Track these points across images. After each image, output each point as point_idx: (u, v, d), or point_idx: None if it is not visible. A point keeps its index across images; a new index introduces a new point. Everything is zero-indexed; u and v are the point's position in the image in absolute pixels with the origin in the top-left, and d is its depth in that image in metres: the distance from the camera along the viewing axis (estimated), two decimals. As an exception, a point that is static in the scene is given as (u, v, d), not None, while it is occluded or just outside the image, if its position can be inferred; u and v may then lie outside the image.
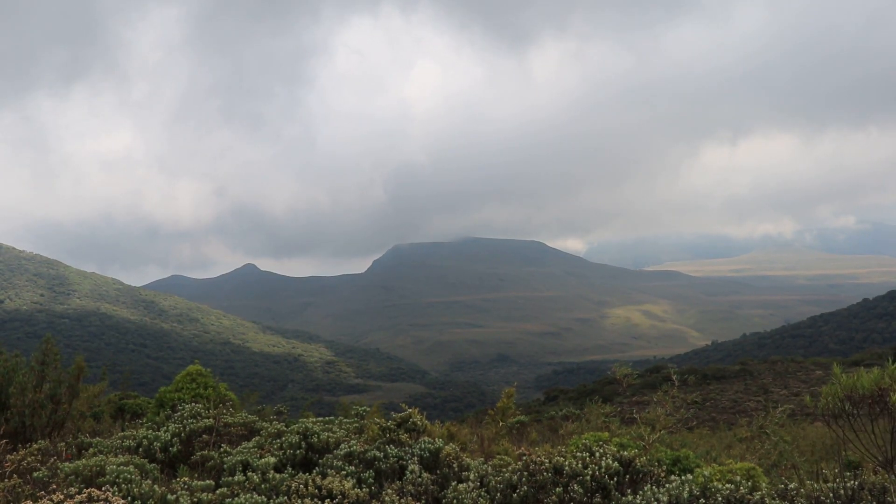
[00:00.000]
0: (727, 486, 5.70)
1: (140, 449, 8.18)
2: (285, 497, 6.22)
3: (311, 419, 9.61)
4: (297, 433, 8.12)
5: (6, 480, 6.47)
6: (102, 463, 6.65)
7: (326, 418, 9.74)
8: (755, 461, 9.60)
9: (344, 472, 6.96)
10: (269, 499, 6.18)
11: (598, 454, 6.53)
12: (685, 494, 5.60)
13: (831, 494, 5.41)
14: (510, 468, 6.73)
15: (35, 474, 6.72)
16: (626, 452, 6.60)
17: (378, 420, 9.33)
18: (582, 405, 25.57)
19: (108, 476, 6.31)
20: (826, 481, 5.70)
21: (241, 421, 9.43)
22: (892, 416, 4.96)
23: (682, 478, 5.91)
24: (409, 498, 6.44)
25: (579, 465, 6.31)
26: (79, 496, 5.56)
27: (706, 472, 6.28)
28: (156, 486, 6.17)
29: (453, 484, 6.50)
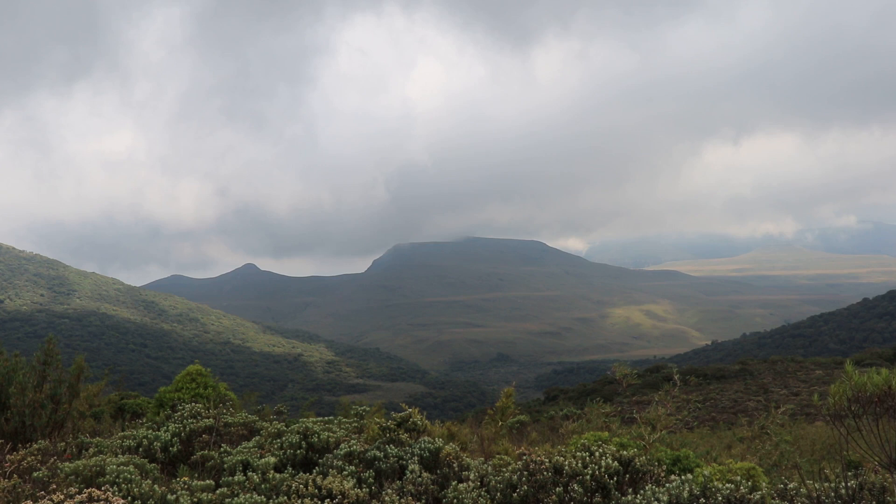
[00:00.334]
0: (727, 485, 5.70)
1: (140, 449, 8.18)
2: (285, 497, 6.22)
3: (311, 419, 9.61)
4: (298, 433, 8.12)
5: (6, 480, 6.47)
6: (102, 463, 6.65)
7: (326, 418, 9.74)
8: (756, 461, 9.60)
9: (344, 472, 6.96)
10: (269, 499, 6.18)
11: (597, 454, 6.53)
12: (685, 494, 5.60)
13: (832, 494, 5.40)
14: (510, 468, 6.73)
15: (35, 474, 6.72)
16: (625, 452, 6.60)
17: (378, 420, 9.34)
18: (582, 405, 25.59)
19: (108, 476, 6.31)
20: (826, 481, 5.70)
21: (241, 421, 9.43)
22: (896, 417, 4.97)
23: (683, 477, 5.91)
24: (410, 498, 6.44)
25: (579, 465, 6.31)
26: (79, 496, 5.56)
27: (706, 472, 6.27)
28: (156, 486, 6.17)
29: (453, 484, 6.50)
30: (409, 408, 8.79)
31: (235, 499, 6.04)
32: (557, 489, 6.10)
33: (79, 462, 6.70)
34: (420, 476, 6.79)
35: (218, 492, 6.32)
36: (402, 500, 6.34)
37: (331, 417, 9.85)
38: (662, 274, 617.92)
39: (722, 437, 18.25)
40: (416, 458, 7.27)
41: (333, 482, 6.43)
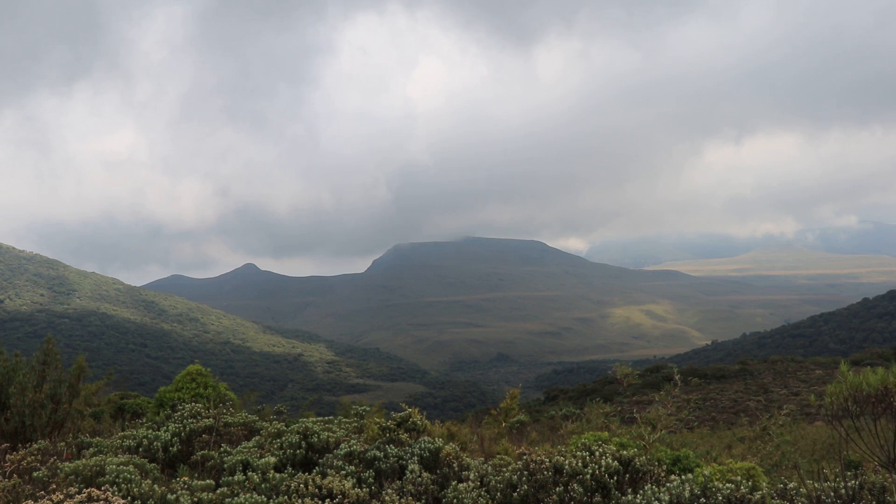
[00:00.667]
0: (728, 485, 5.70)
1: (140, 449, 8.18)
2: (285, 497, 6.22)
3: (311, 419, 9.61)
4: (297, 433, 8.12)
5: (6, 480, 6.47)
6: (102, 463, 6.65)
7: (326, 418, 9.74)
8: (757, 462, 9.60)
9: (344, 472, 6.96)
10: (269, 498, 6.18)
11: (597, 453, 6.53)
12: (686, 494, 5.60)
13: (832, 494, 5.40)
14: (510, 468, 6.73)
15: (35, 474, 6.72)
16: (626, 452, 6.60)
17: (378, 420, 9.33)
18: (582, 405, 25.58)
19: (108, 476, 6.31)
20: (826, 481, 5.70)
21: (241, 421, 9.43)
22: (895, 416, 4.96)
23: (683, 477, 5.91)
24: (409, 498, 6.44)
25: (579, 465, 6.31)
26: (79, 496, 5.56)
27: (707, 472, 6.27)
28: (156, 486, 6.17)
29: (453, 483, 6.50)
30: (409, 408, 8.80)
31: (235, 498, 6.04)
32: (558, 489, 6.10)
33: (79, 462, 6.70)
34: (420, 476, 6.79)
35: (218, 491, 6.32)
36: (402, 500, 6.34)
37: (331, 417, 9.85)
38: (662, 274, 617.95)
39: (722, 437, 18.26)
40: (416, 458, 7.27)
41: (333, 482, 6.43)
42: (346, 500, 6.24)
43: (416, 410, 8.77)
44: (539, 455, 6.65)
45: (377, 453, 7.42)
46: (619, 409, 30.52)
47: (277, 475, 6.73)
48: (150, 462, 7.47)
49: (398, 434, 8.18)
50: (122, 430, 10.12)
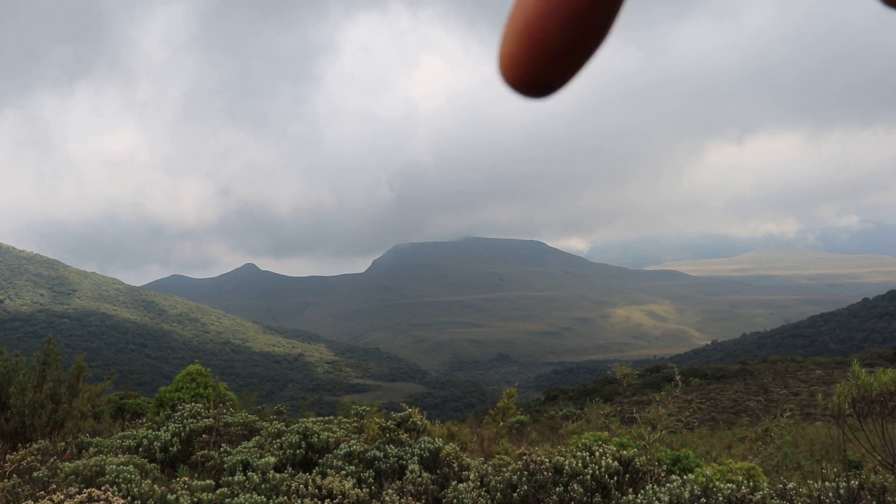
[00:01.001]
0: (728, 485, 5.70)
1: (140, 449, 8.18)
2: (285, 497, 6.21)
3: (311, 419, 9.61)
4: (297, 433, 8.12)
5: (6, 480, 6.47)
6: (102, 463, 6.64)
7: (326, 418, 9.74)
8: (758, 462, 9.60)
9: (344, 472, 6.96)
10: (268, 499, 6.18)
11: (598, 454, 6.53)
12: (686, 494, 5.60)
13: (831, 494, 5.40)
14: (510, 468, 6.73)
15: (35, 474, 6.72)
16: (626, 452, 6.60)
17: (378, 420, 9.33)
18: (582, 405, 25.58)
19: (107, 476, 6.30)
20: (827, 481, 5.69)
21: (241, 421, 9.43)
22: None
23: (685, 477, 5.90)
24: (409, 498, 6.44)
25: (579, 465, 6.31)
26: (79, 496, 5.55)
27: (707, 472, 6.27)
28: (156, 486, 6.17)
29: (453, 483, 6.50)
30: (409, 408, 8.79)
31: (235, 499, 6.04)
32: (558, 489, 6.10)
33: (79, 462, 6.69)
34: (420, 476, 6.79)
35: (218, 492, 6.32)
36: (402, 500, 6.33)
37: (331, 417, 9.85)
38: (662, 274, 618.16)
39: (722, 438, 18.25)
40: (415, 458, 7.27)
41: (333, 482, 6.43)
42: (346, 501, 6.23)
43: (416, 410, 8.77)
44: (539, 455, 6.65)
45: (377, 453, 7.42)
46: (619, 409, 30.53)
47: (277, 475, 6.73)
48: (150, 462, 7.47)
49: (398, 434, 8.17)
50: (122, 430, 10.12)
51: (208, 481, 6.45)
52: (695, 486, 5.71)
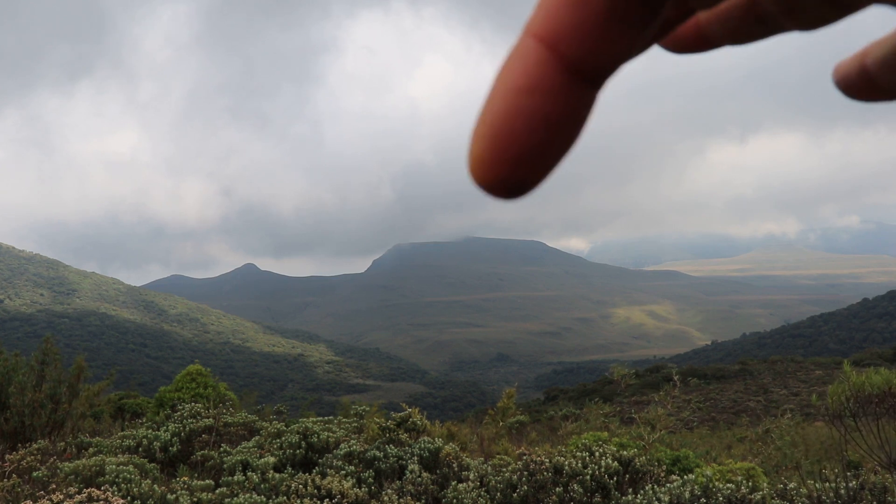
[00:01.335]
0: (728, 486, 5.70)
1: (140, 449, 8.18)
2: (285, 497, 6.21)
3: (310, 419, 9.61)
4: (297, 433, 8.12)
5: (6, 480, 6.47)
6: (102, 463, 6.64)
7: (326, 418, 9.74)
8: (758, 462, 9.60)
9: (344, 472, 6.96)
10: (268, 498, 6.18)
11: (597, 454, 6.53)
12: (686, 494, 5.60)
13: (832, 494, 5.40)
14: (510, 468, 6.73)
15: (35, 474, 6.72)
16: (625, 452, 6.60)
17: (378, 420, 9.34)
18: (582, 405, 25.60)
19: (107, 476, 6.30)
20: (827, 481, 5.69)
21: (241, 420, 9.44)
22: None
23: (684, 477, 5.90)
24: (409, 498, 6.44)
25: (579, 465, 6.31)
26: (78, 496, 5.55)
27: (707, 472, 6.27)
28: (155, 486, 6.17)
29: (453, 483, 6.50)
30: (409, 408, 8.80)
31: (235, 499, 6.04)
32: (557, 489, 6.10)
33: (78, 462, 6.69)
34: (420, 476, 6.79)
35: (217, 491, 6.32)
36: (402, 500, 6.33)
37: (330, 417, 9.85)
38: (663, 274, 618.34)
39: (722, 438, 18.25)
40: (415, 458, 7.27)
41: (333, 482, 6.43)
42: (345, 500, 6.23)
43: (416, 410, 8.77)
44: (539, 455, 6.65)
45: (377, 453, 7.42)
46: (619, 409, 30.52)
47: (277, 475, 6.73)
48: (150, 462, 7.47)
49: (398, 434, 8.17)
50: (122, 430, 10.12)
51: (208, 481, 6.45)
52: (695, 487, 5.71)
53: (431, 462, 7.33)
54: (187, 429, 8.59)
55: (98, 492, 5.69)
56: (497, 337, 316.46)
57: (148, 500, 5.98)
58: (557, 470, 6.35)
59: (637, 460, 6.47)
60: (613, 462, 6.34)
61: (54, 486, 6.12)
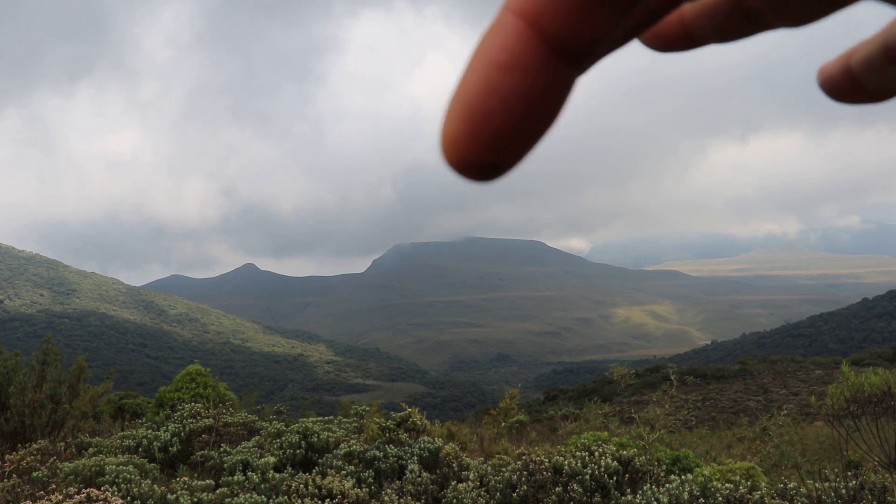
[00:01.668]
0: (727, 485, 5.70)
1: (140, 449, 8.19)
2: (285, 497, 6.21)
3: (310, 419, 9.61)
4: (297, 433, 8.12)
5: (6, 480, 6.47)
6: (102, 463, 6.65)
7: (326, 418, 9.75)
8: (756, 461, 9.61)
9: (344, 472, 6.96)
10: (268, 498, 6.18)
11: (597, 454, 6.53)
12: (685, 494, 5.60)
13: (832, 494, 5.40)
14: (510, 468, 6.73)
15: (34, 474, 6.72)
16: (625, 452, 6.60)
17: (378, 420, 9.34)
18: (581, 405, 25.58)
19: (107, 476, 6.31)
20: (826, 481, 5.70)
21: (241, 420, 9.44)
22: None
23: (683, 477, 5.90)
24: (409, 497, 6.44)
25: (579, 465, 6.31)
26: (78, 496, 5.55)
27: (706, 472, 6.27)
28: (155, 486, 6.17)
29: (453, 483, 6.50)
30: (409, 408, 8.80)
31: (235, 499, 6.04)
32: (557, 489, 6.10)
33: (78, 462, 6.69)
34: (420, 476, 6.79)
35: (217, 492, 6.32)
36: (402, 500, 6.34)
37: (330, 417, 9.86)
38: (662, 274, 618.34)
39: (721, 437, 18.25)
40: (415, 457, 7.27)
41: (333, 482, 6.43)
42: (345, 500, 6.24)
43: (416, 410, 8.77)
44: (538, 455, 6.65)
45: (377, 453, 7.42)
46: (619, 409, 30.51)
47: (277, 475, 6.73)
48: (150, 462, 7.47)
49: (398, 434, 8.18)
50: (122, 430, 10.12)
51: (208, 481, 6.45)
52: (694, 486, 5.71)
53: (431, 462, 7.34)
54: (187, 429, 8.59)
55: (98, 492, 5.69)
56: (497, 337, 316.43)
57: (148, 500, 5.99)
58: (557, 470, 6.36)
59: (637, 460, 6.47)
60: (613, 462, 6.34)
61: (54, 487, 6.12)
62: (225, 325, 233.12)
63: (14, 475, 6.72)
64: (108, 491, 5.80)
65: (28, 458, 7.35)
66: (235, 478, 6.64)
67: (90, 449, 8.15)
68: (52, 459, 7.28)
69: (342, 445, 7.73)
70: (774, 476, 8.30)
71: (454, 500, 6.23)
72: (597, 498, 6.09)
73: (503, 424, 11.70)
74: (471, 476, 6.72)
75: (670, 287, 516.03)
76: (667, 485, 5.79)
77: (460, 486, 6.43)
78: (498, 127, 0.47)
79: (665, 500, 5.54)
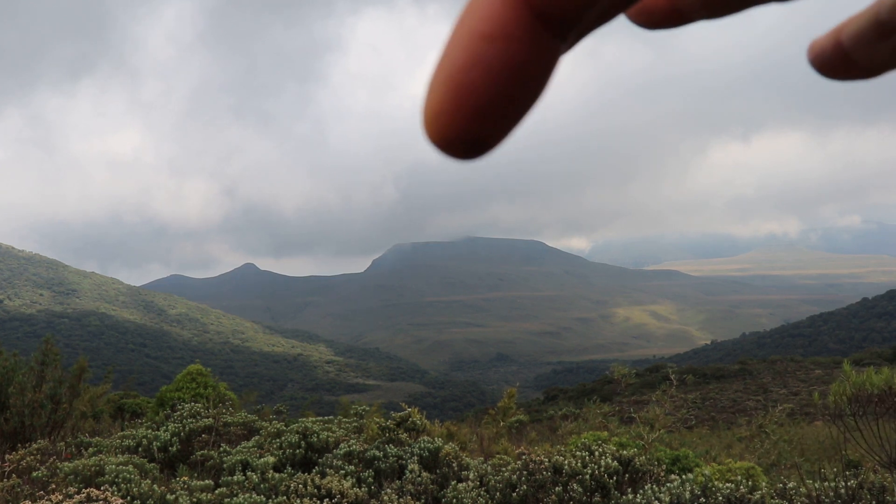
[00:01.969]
0: (727, 485, 5.70)
1: (139, 448, 8.18)
2: (284, 497, 6.21)
3: (310, 419, 9.61)
4: (297, 433, 8.12)
5: (5, 480, 6.47)
6: (102, 462, 6.64)
7: (326, 418, 9.74)
8: (754, 460, 9.61)
9: (343, 472, 6.96)
10: (268, 498, 6.18)
11: (597, 453, 6.53)
12: (686, 494, 5.60)
13: (832, 493, 5.40)
14: (510, 467, 6.73)
15: (34, 474, 6.72)
16: (625, 452, 6.60)
17: (377, 419, 9.34)
18: (581, 405, 25.56)
19: (107, 476, 6.30)
20: (826, 480, 5.69)
21: (241, 420, 9.44)
22: None
23: (684, 477, 5.90)
24: (409, 497, 6.44)
25: (579, 465, 6.31)
26: (78, 496, 5.55)
27: (707, 472, 6.27)
28: (155, 486, 6.17)
29: (453, 483, 6.50)
30: (409, 407, 8.80)
31: (235, 498, 6.04)
32: (557, 489, 6.10)
33: (78, 462, 6.69)
34: (419, 476, 6.79)
35: (217, 491, 6.32)
36: (402, 500, 6.33)
37: (330, 417, 9.85)
38: (662, 274, 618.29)
39: (721, 437, 18.25)
40: (415, 457, 7.27)
41: (333, 482, 6.43)
42: (345, 500, 6.23)
43: (416, 410, 8.77)
44: (538, 455, 6.65)
45: (376, 453, 7.42)
46: (618, 409, 30.50)
47: (277, 475, 6.73)
48: (150, 462, 7.47)
49: (398, 434, 8.18)
50: (122, 430, 10.12)
51: (207, 481, 6.45)
52: (694, 486, 5.71)
53: (431, 462, 7.33)
54: (187, 429, 8.59)
55: (97, 492, 5.69)
56: (497, 337, 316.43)
57: (147, 499, 5.98)
58: (557, 469, 6.35)
59: (637, 460, 6.47)
60: (613, 461, 6.34)
61: (54, 486, 6.12)
62: (225, 325, 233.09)
63: (14, 475, 6.72)
64: (108, 491, 5.80)
65: (28, 458, 7.35)
66: (235, 478, 6.64)
67: (90, 449, 8.15)
68: (51, 459, 7.28)
69: (342, 445, 7.73)
70: (774, 475, 8.30)
71: (454, 500, 6.23)
72: (597, 498, 6.09)
73: (502, 424, 11.70)
74: (471, 476, 6.72)
75: (670, 287, 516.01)
76: (668, 484, 5.78)
77: (460, 485, 6.43)
78: (482, 100, 0.45)
79: (666, 499, 5.54)
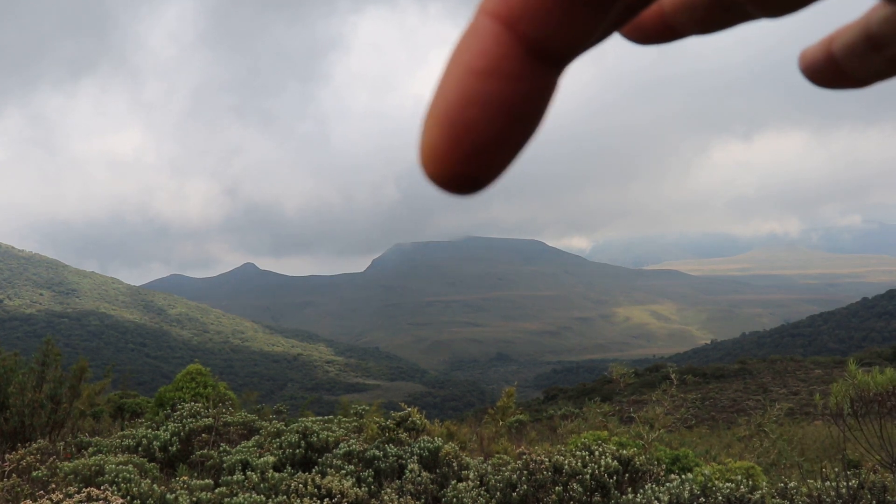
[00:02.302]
0: (727, 485, 5.70)
1: (139, 448, 8.18)
2: (284, 496, 6.21)
3: (310, 418, 9.61)
4: (297, 432, 8.12)
5: (6, 480, 6.47)
6: (101, 462, 6.64)
7: (326, 417, 9.74)
8: (753, 460, 9.61)
9: (343, 472, 6.96)
10: (268, 498, 6.18)
11: (597, 453, 6.53)
12: (686, 493, 5.60)
13: (832, 493, 5.40)
14: (510, 467, 6.73)
15: (34, 473, 6.72)
16: (625, 451, 6.60)
17: (377, 419, 9.34)
18: (581, 404, 25.56)
19: (107, 475, 6.30)
20: (826, 480, 5.69)
21: (241, 420, 9.44)
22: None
23: (683, 476, 5.90)
24: (409, 497, 6.44)
25: (579, 464, 6.31)
26: (78, 495, 5.55)
27: (706, 471, 6.27)
28: (155, 485, 6.17)
29: (453, 483, 6.50)
30: (409, 407, 8.80)
31: (234, 498, 6.04)
32: (557, 488, 6.10)
33: (78, 461, 6.69)
34: (419, 475, 6.79)
35: (217, 491, 6.32)
36: (402, 500, 6.33)
37: (330, 417, 9.85)
38: (662, 273, 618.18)
39: (721, 437, 18.25)
40: (415, 457, 7.27)
41: (332, 481, 6.43)
42: (345, 500, 6.23)
43: (416, 410, 8.77)
44: (538, 454, 6.65)
45: (376, 453, 7.42)
46: (619, 408, 30.51)
47: (277, 475, 6.73)
48: (150, 461, 7.47)
49: (397, 433, 8.18)
50: (122, 430, 10.12)
51: (207, 481, 6.45)
52: (694, 486, 5.71)
53: (431, 461, 7.33)
54: (187, 428, 8.59)
55: (97, 491, 5.68)
56: (497, 336, 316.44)
57: (147, 499, 5.98)
58: (557, 469, 6.35)
59: (636, 459, 6.47)
60: (613, 461, 6.34)
61: (54, 486, 6.12)
62: (225, 324, 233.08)
63: (14, 474, 6.72)
64: (108, 490, 5.80)
65: (28, 458, 7.35)
66: (235, 477, 6.64)
67: (90, 448, 8.15)
68: (51, 459, 7.28)
69: (342, 445, 7.73)
70: (773, 475, 8.30)
71: (454, 500, 6.23)
72: (597, 497, 6.09)
73: (501, 423, 11.70)
74: (470, 475, 6.72)
75: (671, 286, 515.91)
76: (667, 484, 5.78)
77: (460, 485, 6.43)
78: (479, 138, 0.45)
79: (666, 499, 5.54)
